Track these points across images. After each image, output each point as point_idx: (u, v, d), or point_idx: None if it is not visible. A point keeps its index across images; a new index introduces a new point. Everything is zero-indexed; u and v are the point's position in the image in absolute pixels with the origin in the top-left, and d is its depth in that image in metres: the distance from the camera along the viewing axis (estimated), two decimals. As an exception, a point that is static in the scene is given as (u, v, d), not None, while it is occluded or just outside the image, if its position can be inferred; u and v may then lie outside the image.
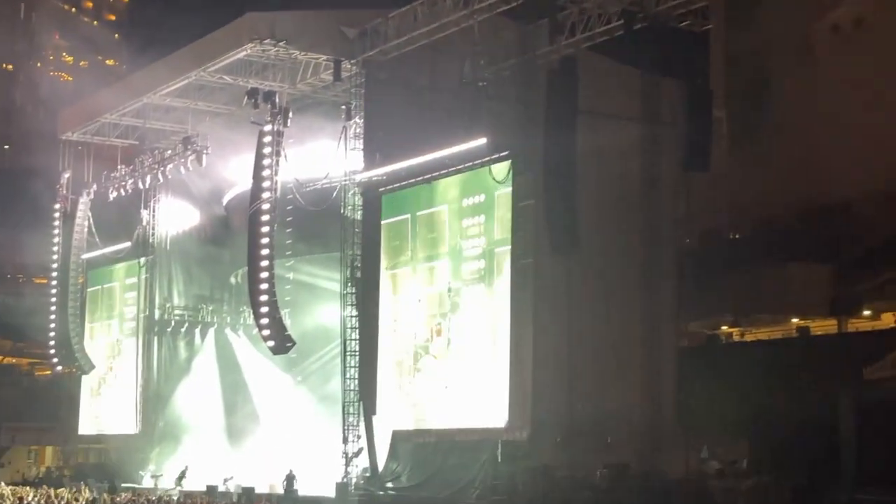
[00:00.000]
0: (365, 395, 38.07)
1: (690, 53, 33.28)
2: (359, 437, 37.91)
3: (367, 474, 37.55)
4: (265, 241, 38.27)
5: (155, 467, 48.52)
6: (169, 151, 47.46)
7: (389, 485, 36.40)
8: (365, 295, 38.66)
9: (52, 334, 53.41)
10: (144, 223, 51.64)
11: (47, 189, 55.09)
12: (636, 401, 33.83)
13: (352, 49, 39.11)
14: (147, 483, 47.16)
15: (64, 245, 52.88)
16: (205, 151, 44.97)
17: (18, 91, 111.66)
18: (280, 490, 38.66)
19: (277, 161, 38.52)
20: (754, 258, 43.63)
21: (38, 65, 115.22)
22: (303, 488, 38.23)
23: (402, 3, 37.35)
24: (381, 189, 38.69)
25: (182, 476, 44.08)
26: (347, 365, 38.46)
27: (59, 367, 54.84)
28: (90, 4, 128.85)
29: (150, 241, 51.53)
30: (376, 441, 37.79)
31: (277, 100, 38.96)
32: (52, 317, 53.17)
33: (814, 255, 42.72)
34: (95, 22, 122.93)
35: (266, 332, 38.35)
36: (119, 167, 50.88)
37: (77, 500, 36.24)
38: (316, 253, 44.31)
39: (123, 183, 49.95)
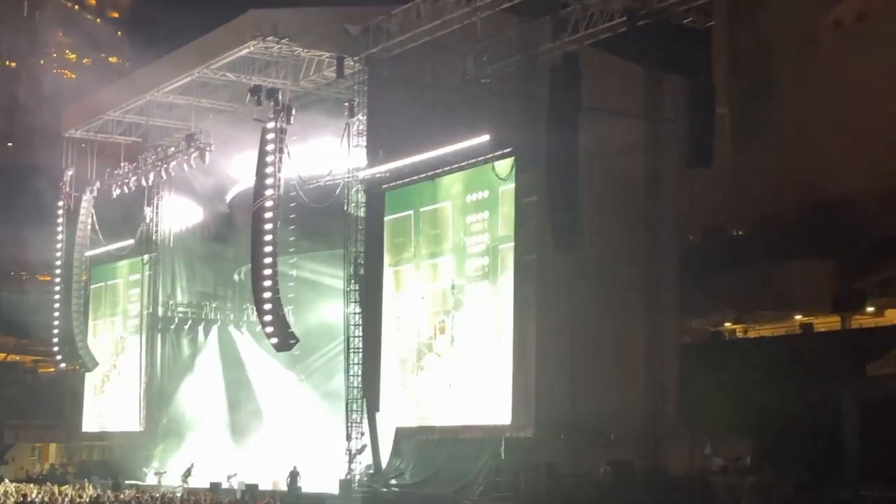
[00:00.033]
0: (368, 392, 38.09)
1: (693, 50, 33.23)
2: (362, 434, 37.97)
3: (371, 471, 37.59)
4: (268, 238, 38.29)
5: (158, 464, 48.62)
6: (172, 148, 47.51)
7: (393, 482, 36.43)
8: (368, 292, 38.68)
9: (55, 332, 53.47)
10: (148, 220, 51.74)
11: (51, 186, 55.18)
12: (639, 398, 33.74)
13: (355, 46, 39.12)
14: (151, 480, 47.26)
15: (67, 242, 52.95)
16: (208, 148, 45.02)
17: (22, 88, 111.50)
18: (283, 487, 38.69)
19: (280, 158, 38.51)
20: (757, 255, 43.66)
21: (42, 62, 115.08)
22: (306, 485, 38.26)
23: (405, 1, 37.34)
24: (384, 186, 38.70)
25: (188, 473, 44.15)
26: (351, 362, 38.50)
27: (63, 365, 54.92)
28: (93, 2, 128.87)
29: (154, 238, 51.63)
30: (380, 438, 37.81)
31: (280, 97, 38.94)
32: (56, 314, 53.22)
33: (817, 251, 42.74)
34: (98, 19, 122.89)
35: (269, 329, 38.37)
36: (122, 164, 50.96)
37: (81, 497, 36.29)
38: (319, 250, 44.34)
39: (127, 180, 50.01)
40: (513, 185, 33.83)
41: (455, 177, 36.17)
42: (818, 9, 47.30)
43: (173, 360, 51.56)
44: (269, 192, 38.33)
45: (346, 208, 39.30)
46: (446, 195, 36.55)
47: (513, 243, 33.76)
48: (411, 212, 37.81)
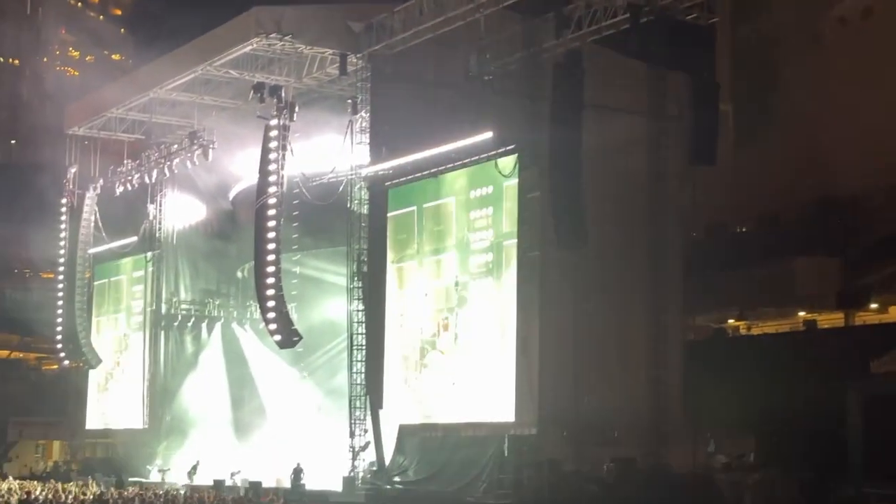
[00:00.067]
0: (372, 389, 38.08)
1: (696, 47, 33.09)
2: (366, 431, 37.94)
3: (374, 468, 37.58)
4: (272, 235, 38.29)
5: (162, 462, 48.64)
6: (175, 146, 47.51)
7: (396, 479, 36.41)
8: (371, 289, 38.67)
9: (59, 329, 53.49)
10: (151, 218, 51.74)
11: (54, 184, 55.18)
12: (643, 395, 33.80)
13: (357, 43, 39.09)
14: (154, 477, 47.28)
15: (71, 240, 52.96)
16: (211, 146, 45.03)
17: (25, 86, 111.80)
18: (287, 484, 38.70)
19: (284, 155, 38.51)
20: (761, 252, 43.65)
21: (45, 60, 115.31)
22: (310, 482, 38.29)
23: (408, -2, 37.36)
24: (387, 183, 38.67)
25: (193, 470, 44.16)
26: (354, 359, 38.49)
27: (67, 362, 54.97)
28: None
29: (157, 235, 51.63)
30: (383, 435, 37.80)
31: (283, 94, 38.95)
32: (59, 311, 53.24)
33: (820, 248, 42.73)
34: (101, 17, 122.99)
35: (273, 327, 38.37)
36: (125, 162, 50.97)
37: (84, 494, 36.29)
38: (322, 247, 44.32)
39: (130, 178, 50.01)
40: (517, 180, 33.76)
41: (459, 173, 36.10)
42: (822, 5, 47.25)
43: (177, 358, 51.57)
44: (272, 190, 38.33)
45: (349, 205, 39.29)
46: (450, 191, 36.44)
47: (517, 240, 33.69)
48: (414, 208, 37.71)
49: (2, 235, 77.28)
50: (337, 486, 37.20)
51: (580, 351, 33.37)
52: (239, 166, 47.14)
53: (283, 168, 38.54)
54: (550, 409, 32.58)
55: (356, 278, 38.92)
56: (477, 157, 35.08)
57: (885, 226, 42.04)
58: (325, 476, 38.33)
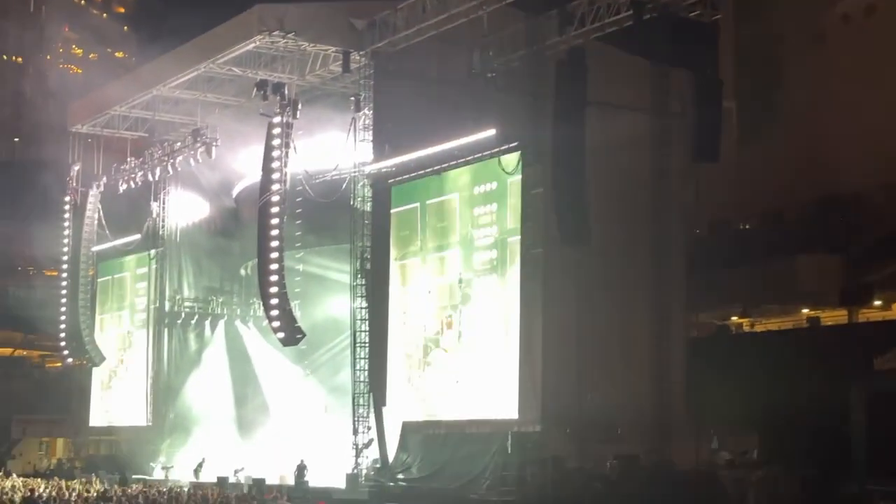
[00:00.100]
0: (375, 386, 38.09)
1: (700, 44, 33.09)
2: (369, 428, 37.96)
3: (378, 465, 37.61)
4: (275, 232, 38.30)
5: (165, 459, 48.68)
6: (178, 143, 47.56)
7: (400, 476, 36.43)
8: (375, 286, 38.68)
9: (62, 326, 53.55)
10: (154, 215, 51.76)
11: (57, 181, 55.22)
12: (646, 392, 33.81)
13: (360, 40, 39.10)
14: (158, 475, 47.31)
15: (74, 237, 53.00)
16: (214, 143, 45.08)
17: (28, 83, 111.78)
18: (291, 481, 38.72)
19: (287, 153, 38.52)
20: (764, 249, 43.59)
21: (48, 57, 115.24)
22: (313, 479, 38.30)
23: (411, -5, 37.34)
24: (390, 181, 38.66)
25: (199, 468, 44.19)
26: (357, 356, 38.51)
27: (70, 360, 55.02)
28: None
29: (160, 233, 51.65)
30: (386, 432, 37.81)
31: (286, 91, 38.95)
32: (63, 309, 53.29)
33: (824, 245, 42.65)
34: (105, 14, 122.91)
35: (276, 324, 38.38)
36: (129, 159, 51.03)
37: (88, 491, 36.32)
38: (325, 244, 44.35)
39: (133, 175, 50.08)
40: (521, 176, 33.71)
41: (462, 169, 36.06)
42: (826, 2, 47.18)
43: (180, 355, 51.61)
44: (275, 187, 38.33)
45: (352, 203, 39.31)
46: (453, 187, 36.35)
47: (520, 237, 33.66)
48: (417, 204, 37.66)
49: (5, 233, 77.41)
50: (340, 484, 37.22)
51: (583, 348, 33.38)
52: (242, 164, 47.17)
53: (286, 165, 38.54)
54: (554, 406, 32.60)
55: (359, 276, 38.94)
56: (480, 155, 35.09)
57: (888, 223, 41.96)
58: (329, 473, 38.36)
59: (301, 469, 38.48)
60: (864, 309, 41.23)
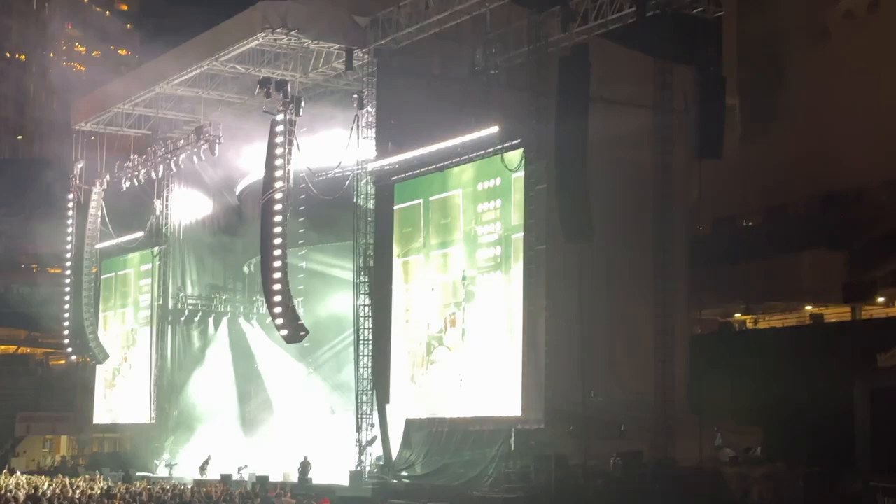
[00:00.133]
0: (378, 383, 38.12)
1: (703, 40, 33.12)
2: (372, 425, 37.99)
3: (381, 463, 37.64)
4: (278, 230, 38.32)
5: (169, 456, 48.76)
6: (181, 141, 47.60)
7: (403, 473, 36.46)
8: (378, 284, 38.69)
9: (66, 324, 53.62)
10: (157, 213, 51.86)
11: (60, 179, 55.32)
12: (649, 389, 33.73)
13: (363, 38, 39.10)
14: (161, 472, 47.37)
15: (77, 235, 53.07)
16: (217, 141, 45.08)
17: (31, 81, 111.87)
18: (294, 478, 38.76)
19: (290, 150, 38.53)
20: (767, 245, 43.59)
21: (51, 55, 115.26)
22: (317, 476, 38.34)
23: (414, -8, 37.33)
24: (393, 178, 38.66)
25: (205, 465, 44.23)
26: (361, 353, 38.54)
27: (74, 357, 55.10)
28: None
29: (163, 230, 51.74)
30: (390, 430, 37.84)
31: (289, 89, 38.98)
32: (67, 307, 53.36)
33: (827, 242, 42.66)
34: (108, 12, 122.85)
35: (279, 321, 38.41)
36: (132, 157, 51.07)
37: (92, 489, 36.35)
38: (328, 242, 44.38)
39: (136, 173, 50.12)
40: (524, 172, 33.67)
41: (466, 165, 35.97)
42: (828, -1, 47.17)
43: (183, 353, 51.70)
44: (278, 185, 38.35)
45: (355, 200, 39.31)
46: (457, 183, 36.28)
47: (523, 233, 33.62)
48: (420, 200, 37.61)
49: (9, 230, 77.59)
50: (344, 481, 37.25)
51: (587, 345, 33.34)
52: (245, 161, 47.23)
53: (289, 163, 38.56)
54: (557, 403, 32.59)
55: (362, 273, 38.96)
56: (483, 152, 35.09)
57: (891, 220, 41.92)
58: (332, 470, 38.40)
59: (305, 466, 38.54)
60: (867, 306, 41.25)
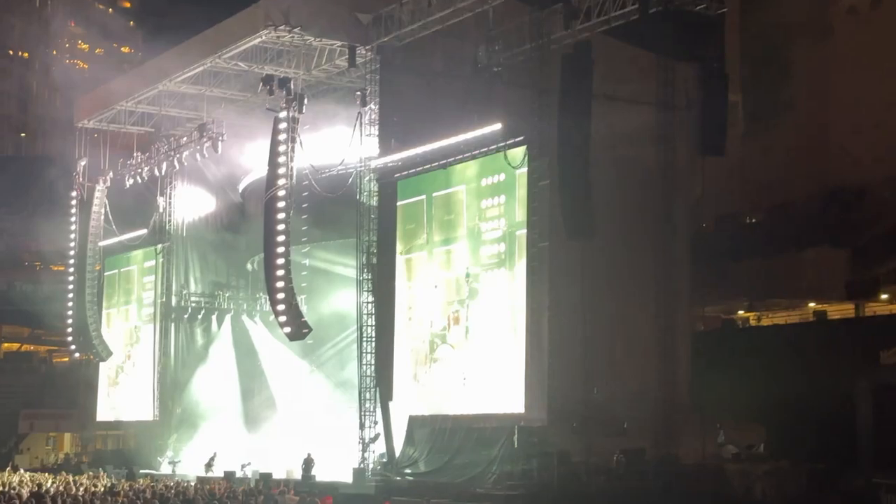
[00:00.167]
0: (381, 381, 38.12)
1: (705, 37, 33.14)
2: (375, 422, 38.00)
3: (384, 460, 37.65)
4: (281, 227, 38.32)
5: (173, 453, 48.80)
6: (184, 138, 47.63)
7: (406, 470, 36.46)
8: (381, 281, 38.69)
9: (69, 321, 53.63)
10: (160, 210, 51.87)
11: (64, 177, 55.35)
12: (652, 386, 33.77)
13: (366, 35, 39.11)
14: (165, 469, 47.41)
15: (81, 232, 53.09)
16: (220, 138, 45.11)
17: (34, 79, 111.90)
18: (297, 475, 38.79)
19: (293, 147, 38.52)
20: (770, 242, 43.56)
21: (54, 52, 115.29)
22: (320, 474, 38.36)
23: (416, -11, 37.32)
24: (396, 175, 38.67)
25: (211, 462, 44.26)
26: (364, 351, 38.55)
27: (77, 354, 55.13)
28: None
29: (167, 228, 51.75)
30: (393, 427, 37.85)
31: (292, 86, 38.94)
32: (70, 304, 53.39)
33: (830, 239, 42.62)
34: (110, 9, 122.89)
35: (282, 319, 38.41)
36: (135, 154, 51.10)
37: (96, 486, 36.38)
38: (332, 239, 44.39)
39: (139, 170, 50.15)
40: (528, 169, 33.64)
41: (469, 162, 35.98)
42: (831, -5, 47.11)
43: (187, 350, 51.72)
44: (281, 182, 38.35)
45: (358, 197, 39.30)
46: (460, 179, 36.20)
47: (526, 230, 33.60)
48: (423, 196, 37.56)
49: (12, 228, 77.61)
50: (347, 478, 37.26)
51: (589, 342, 33.35)
52: (248, 159, 47.24)
53: (292, 160, 38.55)
54: (560, 400, 32.58)
55: (365, 270, 38.97)
56: (486, 149, 35.08)
57: (894, 216, 41.90)
58: (336, 467, 38.39)
59: (308, 463, 38.56)
60: (870, 303, 41.22)
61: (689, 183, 36.34)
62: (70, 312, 53.43)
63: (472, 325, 35.25)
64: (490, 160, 35.09)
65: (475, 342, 35.05)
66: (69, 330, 53.78)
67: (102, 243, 53.58)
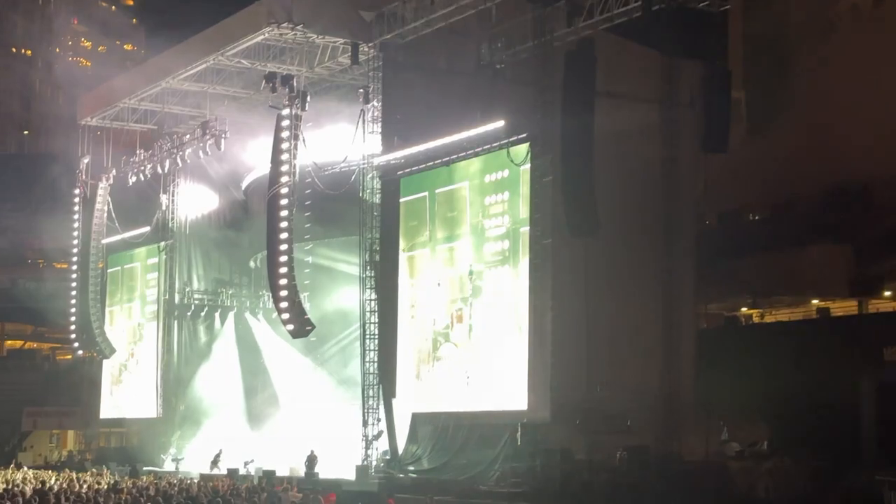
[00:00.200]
0: (384, 378, 38.12)
1: (709, 35, 33.12)
2: (379, 420, 38.00)
3: (387, 457, 37.67)
4: (284, 224, 38.32)
5: (176, 451, 48.83)
6: (187, 136, 47.65)
7: (410, 467, 36.48)
8: (384, 278, 38.68)
9: (72, 319, 53.66)
10: (163, 208, 51.88)
11: (66, 174, 55.38)
12: (655, 383, 33.78)
13: (369, 32, 39.10)
14: (168, 466, 47.44)
15: (84, 230, 53.10)
16: (223, 136, 45.12)
17: (37, 76, 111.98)
18: (301, 473, 38.81)
19: (295, 145, 38.52)
20: (773, 239, 43.49)
21: (57, 50, 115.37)
22: (323, 471, 38.38)
23: (419, -14, 37.30)
24: (399, 172, 38.64)
25: (217, 459, 44.29)
26: (367, 348, 38.55)
27: (80, 352, 55.17)
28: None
29: (170, 225, 51.77)
30: (396, 424, 37.85)
31: (295, 83, 38.94)
32: (73, 301, 53.41)
33: (833, 235, 42.55)
34: (113, 7, 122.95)
35: (285, 316, 38.41)
36: (138, 152, 51.14)
37: (99, 483, 36.38)
38: (334, 236, 44.42)
39: (142, 168, 50.19)
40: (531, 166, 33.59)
41: (472, 159, 35.94)
42: (834, -8, 47.06)
43: (190, 347, 51.77)
44: (284, 179, 38.35)
45: (361, 195, 39.30)
46: (464, 175, 36.06)
47: (529, 227, 33.55)
48: (426, 193, 37.48)
49: (15, 226, 77.67)
50: (350, 475, 37.28)
51: (593, 340, 33.36)
52: (251, 156, 47.23)
53: (295, 158, 38.55)
54: (563, 397, 32.56)
55: (368, 267, 38.97)
56: (489, 146, 35.02)
57: (898, 213, 41.87)
58: (339, 464, 38.41)
59: (311, 460, 38.58)
60: (873, 300, 41.17)
61: (692, 180, 36.32)
62: (73, 310, 53.46)
63: (475, 324, 35.17)
64: (493, 157, 35.00)
65: (478, 340, 34.99)
66: (72, 327, 53.82)
67: (105, 241, 53.60)
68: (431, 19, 36.87)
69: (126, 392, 54.51)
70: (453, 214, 36.38)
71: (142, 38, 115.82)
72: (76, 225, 53.51)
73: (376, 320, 38.62)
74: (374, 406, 38.11)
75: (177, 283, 51.57)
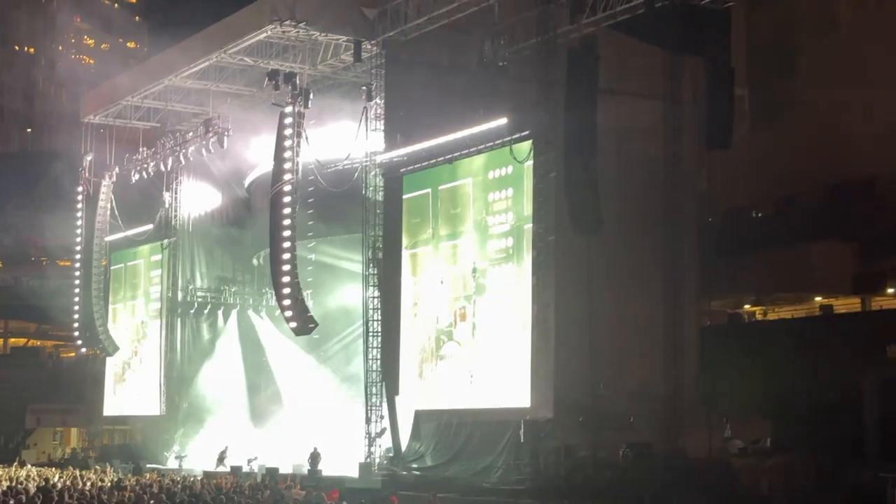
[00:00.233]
0: (387, 375, 38.13)
1: (712, 31, 32.98)
2: (382, 417, 38.02)
3: (391, 454, 37.69)
4: (287, 222, 38.34)
5: (179, 448, 48.86)
6: (190, 133, 47.71)
7: (413, 465, 36.49)
8: (387, 276, 38.69)
9: (76, 316, 53.73)
10: (166, 205, 51.94)
11: (70, 172, 55.46)
12: (658, 380, 33.71)
13: (372, 30, 39.11)
14: (172, 464, 47.46)
15: (87, 228, 53.20)
16: (226, 133, 45.17)
17: (40, 74, 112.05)
18: (304, 470, 38.82)
19: (298, 142, 38.55)
20: (777, 237, 43.37)
21: (60, 48, 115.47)
22: (326, 468, 38.40)
23: (422, -16, 37.29)
24: (402, 170, 38.63)
25: (223, 456, 44.32)
26: (370, 345, 38.56)
27: (84, 349, 55.24)
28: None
29: (173, 223, 51.81)
30: (399, 421, 37.86)
31: (298, 81, 38.97)
32: (76, 299, 53.47)
33: (837, 232, 42.43)
34: (116, 4, 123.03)
35: (288, 314, 38.43)
36: (141, 150, 51.21)
37: (102, 481, 36.40)
38: (337, 234, 44.42)
39: (145, 165, 50.25)
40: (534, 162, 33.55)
41: (475, 155, 35.88)
42: (838, -12, 46.92)
43: (193, 345, 51.82)
44: (287, 177, 38.37)
45: (363, 192, 39.33)
46: (467, 172, 36.02)
47: (532, 224, 33.52)
48: (429, 190, 37.46)
49: (18, 223, 77.81)
50: (353, 472, 37.31)
51: (596, 337, 33.31)
52: (254, 153, 47.25)
53: (297, 155, 38.58)
54: (566, 394, 32.56)
55: (371, 265, 38.98)
56: (492, 144, 35.02)
57: (902, 210, 41.77)
58: (342, 462, 38.46)
59: (314, 458, 38.61)
60: (877, 297, 41.07)
61: (696, 177, 36.23)
62: (76, 307, 53.55)
63: (478, 322, 35.16)
64: (497, 154, 34.97)
65: (482, 339, 34.97)
66: (76, 325, 53.92)
67: (108, 238, 53.68)
68: (434, 16, 36.88)
69: (129, 389, 54.56)
70: (456, 211, 36.34)
71: (145, 36, 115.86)
72: (79, 222, 53.58)
73: (379, 318, 38.63)
74: (378, 403, 38.12)
75: (180, 281, 51.63)
